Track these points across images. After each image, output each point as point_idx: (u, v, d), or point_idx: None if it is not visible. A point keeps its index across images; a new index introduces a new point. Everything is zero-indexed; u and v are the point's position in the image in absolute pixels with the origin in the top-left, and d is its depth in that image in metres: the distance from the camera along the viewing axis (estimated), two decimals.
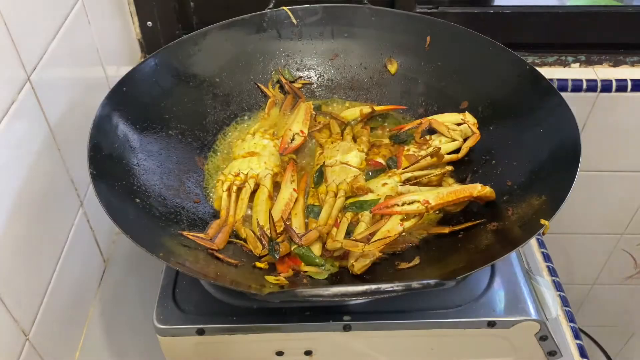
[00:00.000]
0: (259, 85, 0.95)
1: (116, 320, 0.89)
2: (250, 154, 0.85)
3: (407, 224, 0.72)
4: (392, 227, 0.71)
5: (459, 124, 0.86)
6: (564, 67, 1.15)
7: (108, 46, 0.96)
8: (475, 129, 0.85)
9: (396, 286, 0.58)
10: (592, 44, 1.14)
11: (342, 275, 0.71)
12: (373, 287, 0.59)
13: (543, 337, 0.73)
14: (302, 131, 0.87)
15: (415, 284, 0.59)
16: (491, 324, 0.71)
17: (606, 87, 1.11)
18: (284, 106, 0.94)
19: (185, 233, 0.73)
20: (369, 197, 0.77)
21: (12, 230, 0.67)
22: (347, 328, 0.71)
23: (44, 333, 0.74)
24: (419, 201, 0.71)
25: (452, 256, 0.71)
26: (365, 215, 0.75)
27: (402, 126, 0.90)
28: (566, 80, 1.11)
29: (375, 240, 0.68)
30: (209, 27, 0.92)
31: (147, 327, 0.74)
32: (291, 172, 0.83)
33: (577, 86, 1.11)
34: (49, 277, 0.76)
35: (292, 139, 0.86)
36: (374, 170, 0.84)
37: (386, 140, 0.89)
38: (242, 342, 0.73)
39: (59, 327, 0.79)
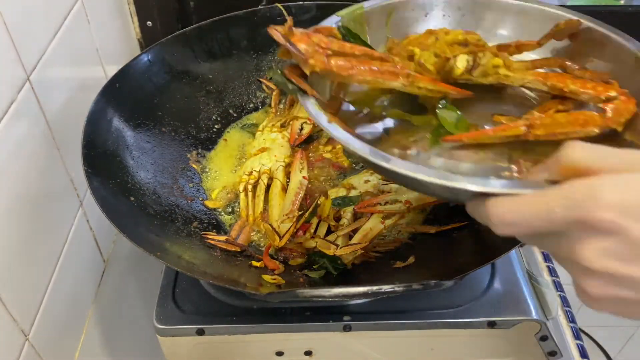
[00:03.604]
0: (262, 80, 0.95)
1: (116, 321, 0.89)
2: (261, 150, 0.86)
3: (388, 222, 0.74)
4: (374, 225, 0.73)
5: None
6: None
7: (108, 46, 0.96)
8: None
9: (397, 287, 0.58)
10: None
11: (339, 275, 0.71)
12: (374, 287, 0.59)
13: (543, 337, 0.73)
14: (309, 119, 0.87)
15: (415, 285, 0.59)
16: (491, 324, 0.71)
17: None
18: (288, 100, 0.94)
19: (209, 235, 0.73)
20: (352, 193, 0.78)
21: (11, 230, 0.67)
22: (347, 328, 0.71)
23: (44, 333, 0.74)
24: (400, 201, 0.74)
25: (448, 255, 0.71)
26: (347, 212, 0.75)
27: None
28: None
29: (347, 245, 0.70)
30: (202, 23, 0.92)
31: (147, 327, 0.74)
32: (300, 159, 0.83)
33: None
34: (48, 277, 0.76)
35: (301, 128, 0.86)
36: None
37: None
38: (242, 342, 0.73)
39: (58, 327, 0.79)
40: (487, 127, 0.59)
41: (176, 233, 0.73)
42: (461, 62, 0.59)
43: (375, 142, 0.60)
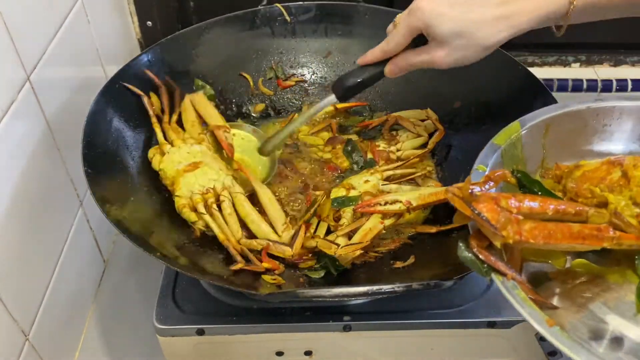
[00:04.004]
0: (127, 85, 0.82)
1: (116, 320, 0.89)
2: (193, 165, 0.77)
3: (387, 222, 0.74)
4: (374, 224, 0.72)
5: (423, 120, 0.90)
6: (565, 66, 1.15)
7: (108, 46, 0.96)
8: (438, 125, 0.89)
9: (397, 287, 0.58)
10: (593, 44, 1.14)
11: (339, 275, 0.71)
12: (374, 287, 0.59)
13: (543, 338, 0.72)
14: (225, 127, 0.84)
15: (415, 285, 0.59)
16: (491, 324, 0.71)
17: (607, 87, 1.11)
18: (164, 104, 0.84)
19: (236, 268, 0.67)
20: (351, 193, 0.78)
21: (11, 230, 0.67)
22: (347, 328, 0.71)
23: (44, 333, 0.74)
24: (401, 201, 0.73)
25: (448, 255, 0.71)
26: (347, 212, 0.75)
27: (369, 122, 0.93)
28: (567, 80, 1.11)
29: (348, 245, 0.70)
30: (202, 24, 0.92)
31: (147, 327, 0.74)
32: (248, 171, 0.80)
33: (577, 86, 1.11)
34: (48, 277, 0.76)
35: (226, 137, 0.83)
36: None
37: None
38: (242, 342, 0.73)
39: (58, 327, 0.79)
40: None
41: (176, 233, 0.73)
42: None
43: (552, 294, 0.53)
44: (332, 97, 0.76)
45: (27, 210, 0.70)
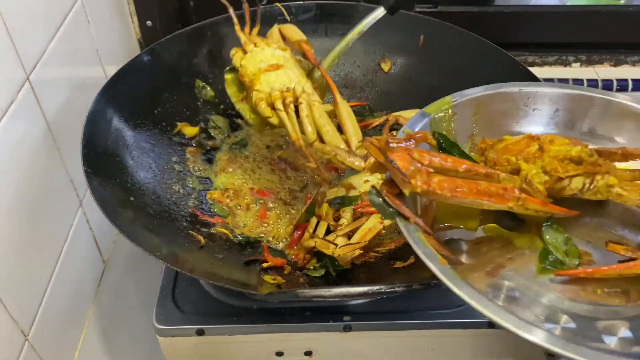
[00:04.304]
0: None
1: (116, 321, 0.89)
2: (275, 66, 0.79)
3: (387, 222, 0.73)
4: (374, 224, 0.72)
5: None
6: (565, 66, 1.15)
7: (107, 46, 0.96)
8: None
9: (397, 287, 0.58)
10: (593, 44, 1.14)
11: (339, 275, 0.71)
12: (375, 287, 0.59)
13: None
14: (306, 41, 0.85)
15: (415, 285, 0.59)
16: (491, 324, 0.71)
17: (607, 86, 1.11)
18: (246, 17, 0.87)
19: (311, 166, 0.71)
20: (351, 193, 0.78)
21: (11, 231, 0.67)
22: (347, 328, 0.71)
23: (44, 333, 0.74)
24: None
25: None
26: (347, 212, 0.75)
27: (369, 122, 0.93)
28: (567, 80, 1.11)
29: (346, 245, 0.70)
30: (202, 23, 0.92)
31: (147, 327, 0.74)
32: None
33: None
34: (48, 278, 0.76)
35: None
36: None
37: None
38: (242, 342, 0.73)
39: (58, 328, 0.79)
40: (594, 251, 0.54)
41: (176, 233, 0.73)
42: (576, 184, 0.54)
43: (461, 252, 0.55)
44: (380, 10, 0.71)
45: (26, 211, 0.70)
